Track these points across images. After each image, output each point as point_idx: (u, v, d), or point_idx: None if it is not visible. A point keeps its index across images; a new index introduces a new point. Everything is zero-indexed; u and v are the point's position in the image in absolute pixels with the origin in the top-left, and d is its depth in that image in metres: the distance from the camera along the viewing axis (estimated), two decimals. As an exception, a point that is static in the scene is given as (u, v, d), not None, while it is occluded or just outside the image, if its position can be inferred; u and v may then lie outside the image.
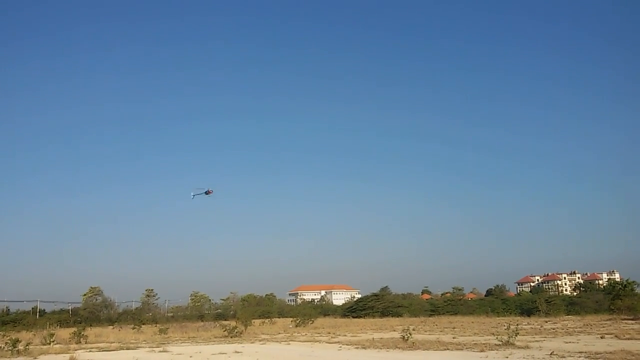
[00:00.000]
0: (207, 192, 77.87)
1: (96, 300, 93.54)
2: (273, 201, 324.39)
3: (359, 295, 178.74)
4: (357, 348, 26.47)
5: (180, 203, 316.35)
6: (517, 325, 33.84)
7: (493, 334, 31.08)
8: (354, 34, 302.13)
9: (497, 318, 62.40)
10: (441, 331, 38.51)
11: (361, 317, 76.27)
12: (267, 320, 66.77)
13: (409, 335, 28.74)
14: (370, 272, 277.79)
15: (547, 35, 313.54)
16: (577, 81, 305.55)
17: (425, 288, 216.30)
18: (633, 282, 64.72)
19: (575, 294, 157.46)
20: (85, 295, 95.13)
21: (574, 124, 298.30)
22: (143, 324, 62.32)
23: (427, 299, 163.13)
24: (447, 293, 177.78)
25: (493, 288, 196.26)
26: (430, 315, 73.78)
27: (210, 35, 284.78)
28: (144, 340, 38.73)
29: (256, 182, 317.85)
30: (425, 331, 38.90)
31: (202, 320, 75.34)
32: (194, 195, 79.60)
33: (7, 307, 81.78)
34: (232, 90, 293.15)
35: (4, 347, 29.50)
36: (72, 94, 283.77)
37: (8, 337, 32.51)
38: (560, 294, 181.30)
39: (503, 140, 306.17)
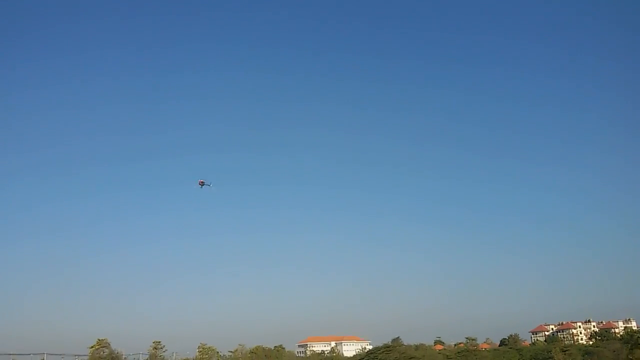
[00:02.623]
0: (203, 184, 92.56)
1: (103, 352, 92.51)
2: (281, 250, 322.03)
3: (370, 347, 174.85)
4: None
5: (187, 250, 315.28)
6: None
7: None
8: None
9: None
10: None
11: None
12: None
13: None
14: (382, 321, 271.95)
15: (551, 93, 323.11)
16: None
17: (437, 338, 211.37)
18: (651, 330, 63.56)
19: (591, 343, 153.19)
20: (92, 347, 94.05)
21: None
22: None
23: (439, 350, 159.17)
24: (460, 343, 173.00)
25: (507, 338, 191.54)
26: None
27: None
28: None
29: (264, 235, 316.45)
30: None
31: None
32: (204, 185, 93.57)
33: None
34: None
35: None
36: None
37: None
38: (576, 343, 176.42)
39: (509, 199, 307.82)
